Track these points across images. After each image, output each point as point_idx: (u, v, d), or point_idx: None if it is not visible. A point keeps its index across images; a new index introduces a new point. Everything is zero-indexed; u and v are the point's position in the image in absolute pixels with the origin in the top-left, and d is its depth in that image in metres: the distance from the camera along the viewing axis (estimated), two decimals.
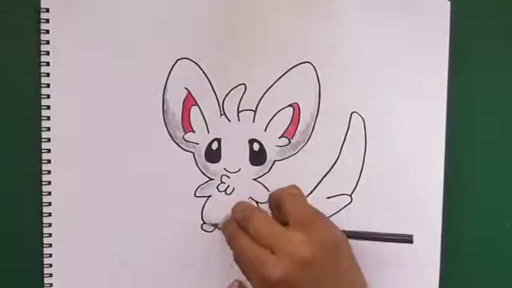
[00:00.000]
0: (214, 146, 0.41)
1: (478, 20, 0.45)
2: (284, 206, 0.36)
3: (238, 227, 0.36)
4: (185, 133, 0.41)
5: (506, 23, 0.45)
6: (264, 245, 0.34)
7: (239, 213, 0.37)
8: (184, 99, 0.40)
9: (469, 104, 0.45)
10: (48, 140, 0.39)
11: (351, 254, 0.36)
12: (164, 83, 0.40)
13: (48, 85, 0.39)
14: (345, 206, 0.42)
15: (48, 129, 0.39)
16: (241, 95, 0.41)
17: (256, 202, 0.42)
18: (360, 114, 0.42)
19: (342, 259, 0.35)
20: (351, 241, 0.36)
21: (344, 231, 0.36)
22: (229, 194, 0.41)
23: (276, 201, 0.37)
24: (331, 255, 0.34)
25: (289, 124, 0.41)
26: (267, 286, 0.33)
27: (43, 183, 0.39)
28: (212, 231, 0.41)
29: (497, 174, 0.45)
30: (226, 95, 0.41)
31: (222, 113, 0.41)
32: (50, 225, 0.39)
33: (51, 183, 0.39)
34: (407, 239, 0.38)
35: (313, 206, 0.37)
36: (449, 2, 0.43)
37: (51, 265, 0.40)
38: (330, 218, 0.42)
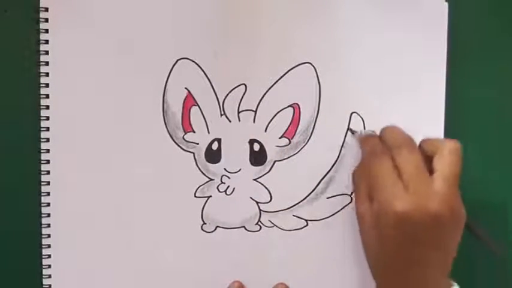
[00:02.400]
0: (215, 146, 0.41)
1: (476, 20, 0.45)
2: (440, 160, 0.35)
3: (383, 148, 0.36)
4: (185, 133, 0.41)
5: (504, 23, 0.45)
6: (403, 179, 0.34)
7: (390, 138, 0.36)
8: (185, 100, 0.40)
9: (468, 103, 0.45)
10: (47, 140, 0.39)
11: (461, 231, 0.35)
12: (164, 83, 0.40)
13: (47, 85, 0.39)
14: (345, 206, 0.42)
15: (48, 129, 0.39)
16: (241, 95, 0.41)
17: (257, 203, 0.42)
18: (359, 115, 0.42)
19: (459, 233, 0.35)
20: None
21: None
22: (230, 194, 0.41)
23: (430, 151, 0.36)
24: (455, 224, 0.34)
25: (290, 124, 0.41)
26: (385, 215, 0.33)
27: (42, 183, 0.39)
28: (212, 231, 0.41)
29: (497, 174, 0.46)
30: (227, 95, 0.41)
31: (222, 113, 0.41)
32: (48, 225, 0.39)
33: (50, 183, 0.39)
34: (497, 250, 0.38)
35: None
36: (446, 4, 0.43)
37: (49, 266, 0.39)
38: (330, 218, 0.42)
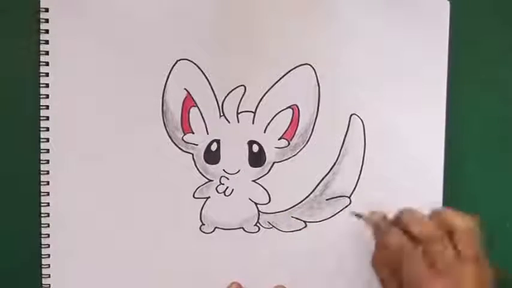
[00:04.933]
0: (214, 147, 0.41)
1: (477, 19, 0.45)
2: (461, 239, 0.35)
3: (410, 243, 0.36)
4: (184, 134, 0.41)
5: (505, 23, 0.45)
6: (436, 271, 0.34)
7: (416, 229, 0.36)
8: (184, 100, 0.40)
9: (469, 104, 0.45)
10: (47, 140, 0.39)
11: None
12: (164, 84, 0.40)
13: (47, 85, 0.39)
14: (344, 208, 0.42)
15: (47, 129, 0.39)
16: (240, 96, 0.41)
17: (256, 204, 0.42)
18: (359, 116, 0.42)
19: None
20: None
21: None
22: (228, 195, 0.41)
23: (449, 228, 0.36)
24: None
25: (289, 126, 0.41)
26: None
27: (42, 183, 0.39)
28: (211, 232, 0.41)
29: (497, 174, 0.45)
30: (226, 96, 0.41)
31: (222, 114, 0.41)
32: (48, 225, 0.39)
33: (50, 183, 0.39)
34: None
35: None
36: (448, 2, 0.43)
37: (49, 266, 0.39)
38: (328, 220, 0.42)
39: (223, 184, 0.41)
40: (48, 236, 0.39)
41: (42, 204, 0.39)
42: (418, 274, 0.35)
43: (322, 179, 0.42)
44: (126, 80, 0.40)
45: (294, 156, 0.42)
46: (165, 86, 0.40)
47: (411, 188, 0.43)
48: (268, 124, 0.41)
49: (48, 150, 0.39)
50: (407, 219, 0.37)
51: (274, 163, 0.42)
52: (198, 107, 0.41)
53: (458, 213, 0.37)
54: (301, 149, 0.42)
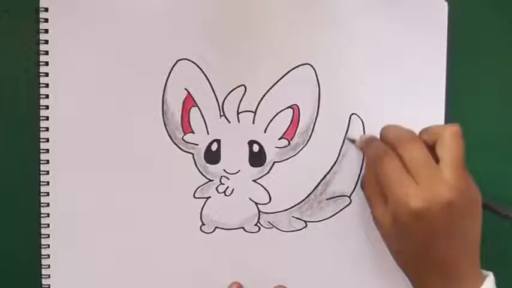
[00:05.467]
0: (214, 147, 0.41)
1: (476, 20, 0.45)
2: (442, 147, 0.35)
3: (386, 149, 0.36)
4: (185, 134, 0.41)
5: (504, 23, 0.45)
6: (412, 175, 0.34)
7: (392, 137, 0.37)
8: (184, 100, 0.40)
9: (468, 104, 0.45)
10: (47, 140, 0.39)
11: (480, 214, 0.36)
12: (164, 84, 0.40)
13: (47, 85, 0.39)
14: (344, 207, 0.42)
15: (47, 129, 0.39)
16: (241, 96, 0.41)
17: (256, 204, 0.42)
18: (359, 116, 0.42)
19: (477, 215, 0.35)
20: None
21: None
22: (229, 195, 0.41)
23: (432, 140, 0.36)
24: (472, 207, 0.34)
25: (289, 125, 0.41)
26: (402, 214, 0.34)
27: (41, 183, 0.39)
28: (211, 232, 0.41)
29: (497, 174, 0.45)
30: (226, 96, 0.41)
31: (222, 114, 0.41)
32: (48, 225, 0.39)
33: (50, 183, 0.39)
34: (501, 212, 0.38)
35: None
36: (446, 3, 0.43)
37: (49, 266, 0.39)
38: (328, 220, 0.42)
39: (223, 184, 0.41)
40: (48, 236, 0.39)
41: (42, 204, 0.39)
42: (391, 178, 0.34)
43: (323, 178, 0.42)
44: (126, 79, 0.40)
45: (294, 156, 0.42)
46: (165, 86, 0.40)
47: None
48: (269, 124, 0.41)
49: (48, 150, 0.39)
50: (386, 129, 0.38)
51: (274, 163, 0.42)
52: (198, 107, 0.41)
53: (443, 125, 0.37)
54: (301, 149, 0.42)
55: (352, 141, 0.42)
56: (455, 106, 0.44)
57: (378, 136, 0.39)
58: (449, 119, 0.43)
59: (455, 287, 0.35)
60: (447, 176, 0.34)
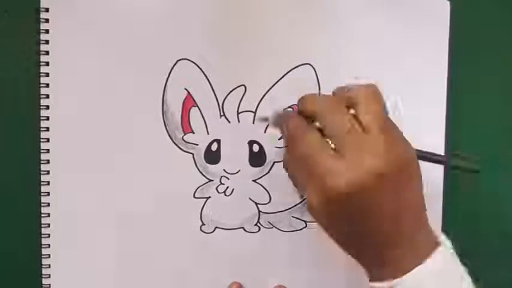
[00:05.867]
0: (214, 147, 0.41)
1: (478, 19, 0.45)
2: (361, 109, 0.31)
3: (303, 122, 0.32)
4: (185, 134, 0.41)
5: (506, 23, 0.45)
6: (336, 148, 0.30)
7: (309, 108, 0.32)
8: (184, 100, 0.40)
9: (469, 104, 0.45)
10: (47, 140, 0.39)
11: (420, 174, 0.32)
12: (164, 84, 0.40)
13: (47, 85, 0.39)
14: None
15: (47, 129, 0.39)
16: (241, 96, 0.41)
17: (256, 203, 0.42)
18: None
19: (414, 179, 0.31)
20: None
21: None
22: (229, 195, 0.41)
23: (350, 102, 0.32)
24: (401, 168, 0.30)
25: None
26: (329, 197, 0.30)
27: (42, 183, 0.39)
28: (211, 232, 0.41)
29: (498, 174, 0.45)
30: (226, 96, 0.41)
31: (222, 114, 0.41)
32: (48, 225, 0.39)
33: (50, 183, 0.39)
34: (442, 160, 0.35)
35: None
36: (448, 3, 0.43)
37: (49, 266, 0.39)
38: None
39: (223, 184, 0.41)
40: (48, 236, 0.39)
41: (42, 204, 0.39)
42: (311, 156, 0.30)
43: None
44: (126, 79, 0.40)
45: None
46: (165, 86, 0.40)
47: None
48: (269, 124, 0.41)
49: (48, 150, 0.39)
50: (302, 100, 0.33)
51: (274, 163, 0.42)
52: (198, 107, 0.41)
53: (357, 86, 0.32)
54: None
55: (265, 119, 0.38)
56: (457, 105, 0.44)
57: None
58: (450, 118, 0.43)
59: (400, 258, 0.31)
60: (370, 142, 0.30)
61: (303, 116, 0.33)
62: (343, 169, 0.29)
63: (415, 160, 0.32)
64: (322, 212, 0.31)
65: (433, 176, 0.43)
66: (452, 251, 0.32)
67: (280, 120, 0.35)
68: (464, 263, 0.32)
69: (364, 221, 0.31)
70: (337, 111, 0.31)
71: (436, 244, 0.32)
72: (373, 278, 0.32)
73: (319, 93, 0.37)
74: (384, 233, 0.31)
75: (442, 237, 0.32)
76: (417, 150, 0.33)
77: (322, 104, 0.32)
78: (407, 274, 0.30)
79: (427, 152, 0.35)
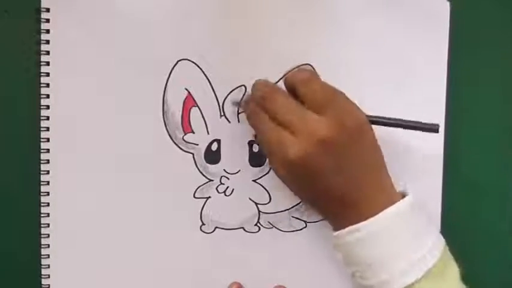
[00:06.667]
0: (214, 147, 0.41)
1: (478, 19, 0.45)
2: (299, 93, 0.35)
3: (257, 106, 0.37)
4: (185, 134, 0.41)
5: (506, 22, 0.45)
6: (282, 125, 0.34)
7: (258, 91, 0.37)
8: (185, 100, 0.40)
9: (469, 103, 0.45)
10: (47, 140, 0.39)
11: (372, 134, 0.36)
12: (164, 84, 0.40)
13: (47, 85, 0.39)
14: None
15: (48, 129, 0.39)
16: (241, 96, 0.41)
17: (256, 204, 0.42)
18: None
19: (363, 140, 0.35)
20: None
21: (366, 116, 0.36)
22: (229, 195, 0.41)
23: (291, 87, 0.36)
24: (351, 134, 0.34)
25: None
26: (287, 167, 0.35)
27: (42, 183, 0.39)
28: (211, 232, 0.41)
29: (498, 174, 0.45)
30: (227, 96, 0.41)
31: (222, 114, 0.41)
32: (48, 225, 0.39)
33: (50, 183, 0.39)
34: (433, 128, 0.37)
35: (331, 86, 0.36)
36: (448, 3, 0.43)
37: (49, 266, 0.39)
38: None
39: (223, 184, 0.41)
40: (48, 236, 0.39)
41: (42, 204, 0.39)
42: (266, 136, 0.35)
43: None
44: (127, 80, 0.40)
45: None
46: (165, 86, 0.40)
47: (411, 187, 0.43)
48: None
49: (48, 150, 0.39)
50: (252, 87, 0.38)
51: None
52: (198, 107, 0.41)
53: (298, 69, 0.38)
54: None
55: (236, 103, 0.41)
56: (456, 105, 0.44)
57: None
58: (450, 118, 0.43)
59: (359, 207, 0.35)
60: (313, 116, 0.34)
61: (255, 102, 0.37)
62: (292, 141, 0.34)
63: (364, 124, 0.36)
64: (286, 177, 0.36)
65: (432, 175, 0.43)
66: (412, 201, 0.36)
67: (244, 105, 0.40)
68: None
69: (319, 181, 0.35)
70: (278, 95, 0.36)
71: (398, 196, 0.36)
72: (336, 229, 0.37)
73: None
74: (339, 189, 0.35)
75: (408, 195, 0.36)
76: (376, 116, 0.37)
77: (265, 89, 0.37)
78: (365, 221, 0.34)
79: (383, 117, 0.37)
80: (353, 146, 0.35)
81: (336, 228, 0.37)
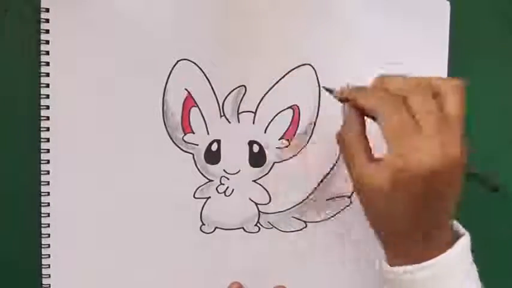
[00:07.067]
0: (214, 147, 0.41)
1: (478, 20, 0.45)
2: (446, 99, 0.31)
3: (399, 99, 0.31)
4: (185, 134, 0.41)
5: (506, 23, 0.45)
6: (423, 129, 0.30)
7: (398, 87, 0.32)
8: (185, 100, 0.40)
9: (468, 103, 0.45)
10: (48, 140, 0.39)
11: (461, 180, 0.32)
12: (164, 84, 0.40)
13: (47, 85, 0.39)
14: (345, 208, 0.42)
15: (48, 129, 0.39)
16: (241, 96, 0.41)
17: (256, 204, 0.42)
18: None
19: (461, 178, 0.32)
20: None
21: None
22: (229, 195, 0.41)
23: (434, 88, 0.32)
24: (461, 167, 0.31)
25: (289, 126, 0.41)
26: (409, 172, 0.30)
27: (42, 183, 0.39)
28: (211, 232, 0.41)
29: (499, 173, 0.45)
30: (227, 96, 0.41)
31: (222, 114, 0.41)
32: (48, 225, 0.39)
33: (50, 183, 0.39)
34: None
35: None
36: (448, 3, 0.43)
37: (49, 266, 0.39)
38: (328, 220, 0.42)
39: (223, 184, 0.41)
40: (48, 236, 0.39)
41: (42, 204, 0.39)
42: (398, 132, 0.30)
43: (323, 179, 0.42)
44: (127, 80, 0.40)
45: (294, 156, 0.42)
46: (165, 86, 0.40)
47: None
48: (269, 124, 0.41)
49: (48, 150, 0.39)
50: (385, 79, 0.33)
51: (274, 163, 0.42)
52: (198, 107, 0.41)
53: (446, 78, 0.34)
54: (301, 149, 0.42)
55: (330, 91, 0.37)
56: None
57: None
58: None
59: (431, 248, 0.32)
60: (455, 131, 0.30)
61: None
62: (432, 149, 0.30)
63: (461, 165, 0.32)
64: (384, 191, 0.31)
65: None
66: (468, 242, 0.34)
67: (354, 92, 0.34)
68: None
69: (425, 206, 0.31)
70: (427, 95, 0.31)
71: (457, 237, 0.33)
72: (392, 264, 0.34)
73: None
74: (434, 221, 0.32)
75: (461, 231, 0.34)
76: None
77: (412, 84, 0.32)
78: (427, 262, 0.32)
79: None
80: (459, 179, 0.32)
81: (395, 261, 0.33)
